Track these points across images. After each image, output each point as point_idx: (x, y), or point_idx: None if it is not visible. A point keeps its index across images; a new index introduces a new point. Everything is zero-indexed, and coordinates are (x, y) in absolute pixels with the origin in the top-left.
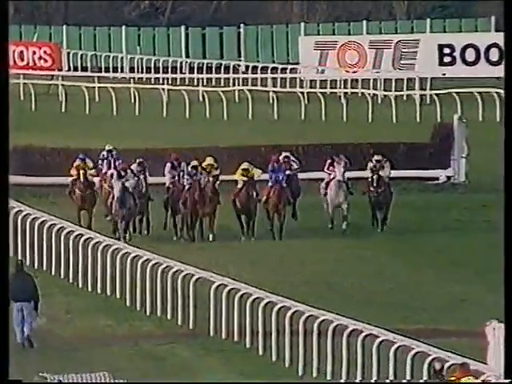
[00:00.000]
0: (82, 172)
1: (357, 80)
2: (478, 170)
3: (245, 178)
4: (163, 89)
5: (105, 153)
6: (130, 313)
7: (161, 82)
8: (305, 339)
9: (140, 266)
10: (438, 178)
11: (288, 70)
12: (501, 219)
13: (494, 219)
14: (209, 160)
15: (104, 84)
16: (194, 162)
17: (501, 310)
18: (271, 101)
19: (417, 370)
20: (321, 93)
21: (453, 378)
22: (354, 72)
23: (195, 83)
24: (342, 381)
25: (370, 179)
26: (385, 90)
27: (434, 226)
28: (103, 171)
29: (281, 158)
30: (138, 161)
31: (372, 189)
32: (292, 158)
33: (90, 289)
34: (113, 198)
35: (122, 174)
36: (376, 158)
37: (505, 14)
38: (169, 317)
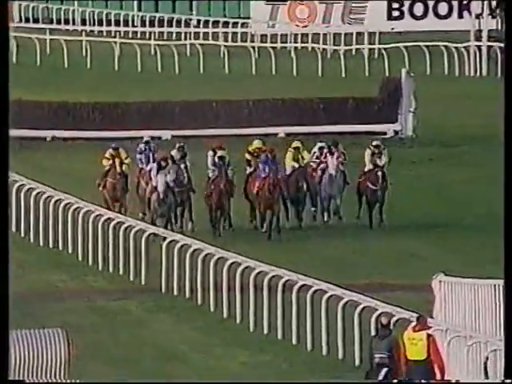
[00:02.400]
0: (117, 161)
1: (307, 34)
2: (426, 124)
3: (295, 164)
4: (115, 42)
5: (142, 145)
6: (83, 268)
7: (113, 35)
8: (255, 295)
9: (92, 222)
10: (385, 133)
11: (239, 25)
12: (446, 172)
13: (440, 173)
14: (256, 143)
15: (55, 36)
16: (222, 152)
17: (447, 264)
18: (222, 55)
19: (364, 324)
20: (271, 47)
21: (410, 331)
22: (305, 26)
23: (147, 37)
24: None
25: (370, 173)
26: (334, 45)
27: (428, 183)
28: (141, 167)
29: (315, 149)
30: (177, 146)
31: (372, 185)
32: (326, 149)
33: (41, 243)
34: (150, 193)
35: (163, 164)
36: (374, 143)
37: (505, 13)
38: (121, 272)
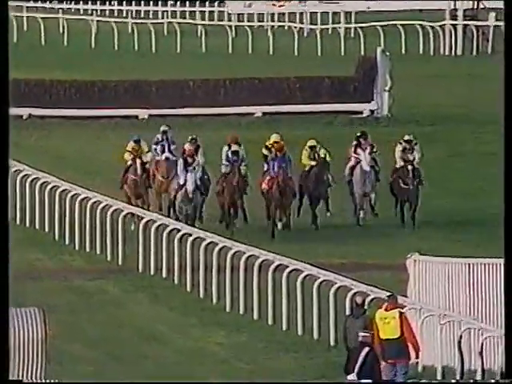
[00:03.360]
0: (137, 157)
1: (284, 14)
2: (401, 103)
3: (313, 163)
4: (92, 20)
5: (159, 135)
6: (60, 247)
7: (90, 13)
8: (232, 275)
9: (69, 200)
10: (361, 112)
11: (216, 4)
12: (428, 151)
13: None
14: (274, 137)
15: (32, 14)
16: (236, 147)
17: (422, 244)
18: (199, 34)
19: (340, 304)
20: (248, 26)
21: (382, 311)
22: (281, 6)
23: (124, 15)
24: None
25: (401, 169)
26: (311, 24)
27: None
28: (157, 159)
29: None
30: (189, 138)
31: (403, 184)
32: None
33: (18, 222)
34: (175, 191)
35: (189, 160)
36: (406, 138)
37: (505, 13)
38: (98, 252)
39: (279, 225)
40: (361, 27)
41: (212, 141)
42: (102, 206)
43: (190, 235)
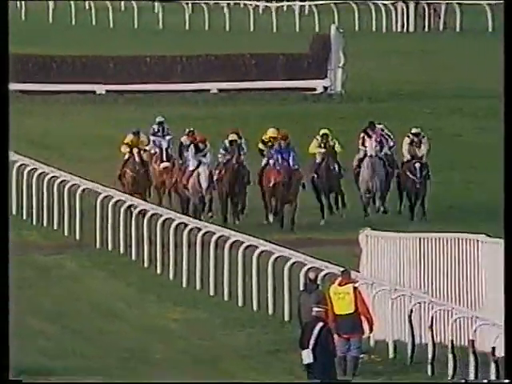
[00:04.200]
0: (135, 150)
1: None
2: (354, 80)
3: (322, 150)
4: None
5: (155, 126)
6: (17, 222)
7: None
8: (189, 251)
9: (26, 175)
10: (315, 89)
11: None
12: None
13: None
14: (271, 132)
15: None
16: (234, 136)
17: (374, 219)
18: (156, 10)
19: (294, 280)
20: (204, 3)
21: (335, 286)
22: None
23: None
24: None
25: (409, 163)
26: (266, 1)
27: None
28: (154, 152)
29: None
30: (187, 131)
31: (413, 177)
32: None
33: None
34: (191, 189)
35: (201, 146)
36: (414, 130)
37: (505, 13)
38: (55, 227)
39: (270, 217)
40: (315, 5)
41: (168, 117)
42: (59, 181)
43: (147, 211)
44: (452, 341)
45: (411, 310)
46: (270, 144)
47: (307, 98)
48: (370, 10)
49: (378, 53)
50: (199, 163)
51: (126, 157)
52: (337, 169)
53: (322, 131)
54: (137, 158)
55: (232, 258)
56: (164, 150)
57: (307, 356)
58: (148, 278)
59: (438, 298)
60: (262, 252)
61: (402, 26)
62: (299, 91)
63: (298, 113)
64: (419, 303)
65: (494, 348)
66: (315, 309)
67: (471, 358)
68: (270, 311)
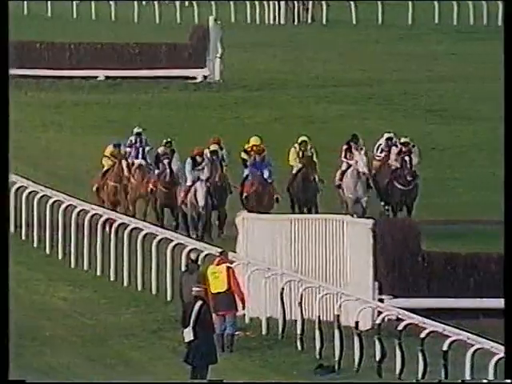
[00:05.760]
0: (124, 163)
1: None
2: (231, 70)
3: (300, 165)
4: None
5: (133, 137)
6: None
7: None
8: (77, 232)
9: None
10: (195, 78)
11: None
12: (250, 115)
13: (245, 116)
14: (253, 140)
15: None
16: (215, 147)
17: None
18: None
19: (177, 261)
20: None
21: (213, 265)
22: None
23: None
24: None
25: (398, 171)
26: None
27: (196, 125)
28: (131, 162)
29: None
30: (164, 142)
31: (401, 187)
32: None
33: None
34: (188, 205)
35: (198, 160)
36: (402, 140)
37: (505, 13)
38: None
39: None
40: None
41: (54, 103)
42: None
43: (37, 193)
44: (319, 316)
45: (282, 288)
46: (252, 153)
47: (188, 87)
48: (245, 3)
49: (253, 44)
50: (197, 178)
51: (106, 168)
52: (316, 180)
53: (301, 138)
54: (117, 169)
55: (118, 240)
56: (138, 165)
57: (188, 334)
58: (37, 258)
59: (308, 277)
60: (147, 234)
61: (274, 19)
62: (180, 79)
63: (180, 100)
64: (290, 281)
65: (357, 322)
66: (195, 288)
67: (336, 332)
68: (154, 291)
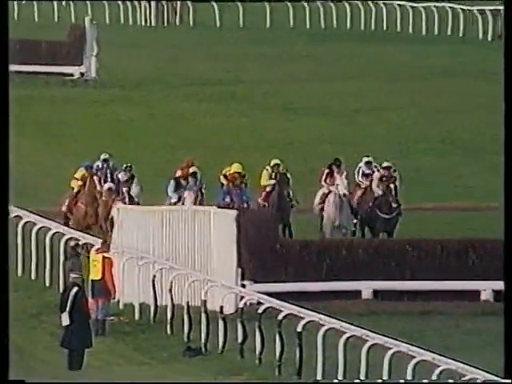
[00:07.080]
0: (87, 183)
1: None
2: (108, 68)
3: (273, 182)
4: None
5: (99, 163)
6: None
7: None
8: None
9: None
10: (73, 74)
11: None
12: (123, 112)
13: (120, 113)
14: (235, 167)
15: None
16: (194, 168)
17: None
18: None
19: (55, 248)
20: None
21: (93, 253)
22: None
23: None
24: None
25: (380, 201)
26: None
27: (72, 120)
28: (99, 187)
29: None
30: (124, 166)
31: (383, 215)
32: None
33: None
34: None
35: (183, 183)
36: (384, 164)
37: (505, 14)
38: None
39: None
40: None
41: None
42: None
43: None
44: (188, 302)
45: (154, 276)
46: (234, 180)
47: (66, 83)
48: (118, 5)
49: (129, 45)
50: (179, 198)
51: (76, 190)
52: (290, 195)
53: (273, 161)
54: (88, 191)
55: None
56: (107, 189)
57: (65, 318)
58: None
59: (178, 264)
60: (41, 228)
61: (146, 21)
62: (59, 76)
63: (58, 96)
64: (161, 269)
65: (221, 307)
66: (72, 275)
67: (203, 317)
68: (33, 277)
